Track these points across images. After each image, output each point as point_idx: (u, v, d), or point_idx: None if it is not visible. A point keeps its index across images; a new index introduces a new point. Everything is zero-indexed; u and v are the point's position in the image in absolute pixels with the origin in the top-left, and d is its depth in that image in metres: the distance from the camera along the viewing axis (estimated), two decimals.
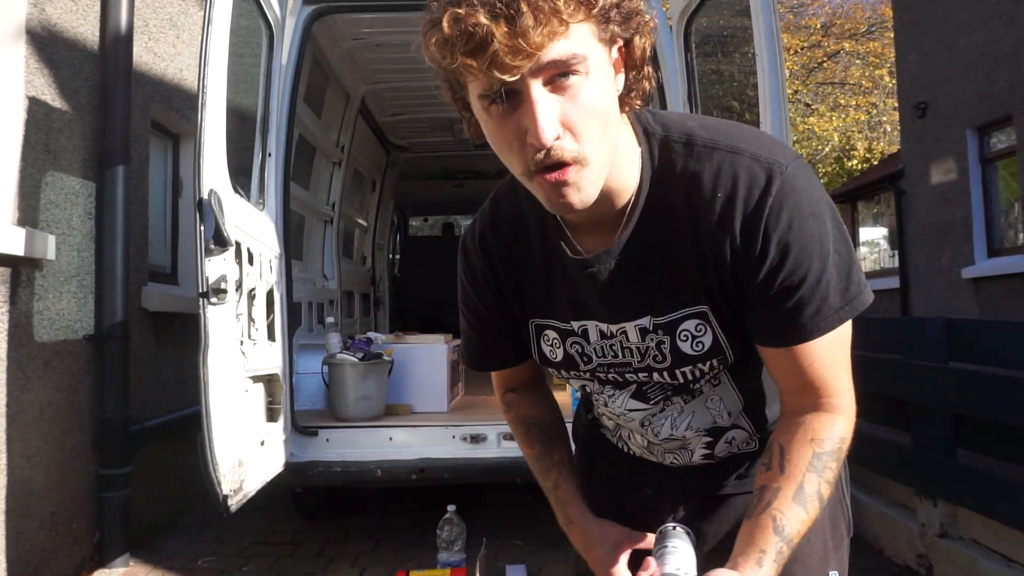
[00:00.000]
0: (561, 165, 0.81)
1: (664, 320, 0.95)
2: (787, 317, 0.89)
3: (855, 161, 17.53)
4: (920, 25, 8.90)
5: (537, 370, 1.20)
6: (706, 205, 0.88)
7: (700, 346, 0.95)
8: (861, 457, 3.59)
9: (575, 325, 1.01)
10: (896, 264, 10.29)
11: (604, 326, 0.99)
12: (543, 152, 0.79)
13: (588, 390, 1.10)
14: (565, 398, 2.96)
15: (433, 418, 3.46)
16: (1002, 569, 2.60)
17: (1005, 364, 2.74)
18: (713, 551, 1.07)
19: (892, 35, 11.07)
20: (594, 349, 1.01)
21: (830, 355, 0.91)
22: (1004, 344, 2.76)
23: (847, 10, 19.71)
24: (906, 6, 9.31)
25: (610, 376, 1.03)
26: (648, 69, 0.90)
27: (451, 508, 2.31)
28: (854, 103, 18.51)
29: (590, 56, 0.79)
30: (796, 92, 18.74)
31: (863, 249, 13.38)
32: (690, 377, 0.98)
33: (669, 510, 1.10)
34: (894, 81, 11.55)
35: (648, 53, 0.89)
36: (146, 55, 3.78)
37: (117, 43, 3.32)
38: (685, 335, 0.95)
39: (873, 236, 13.62)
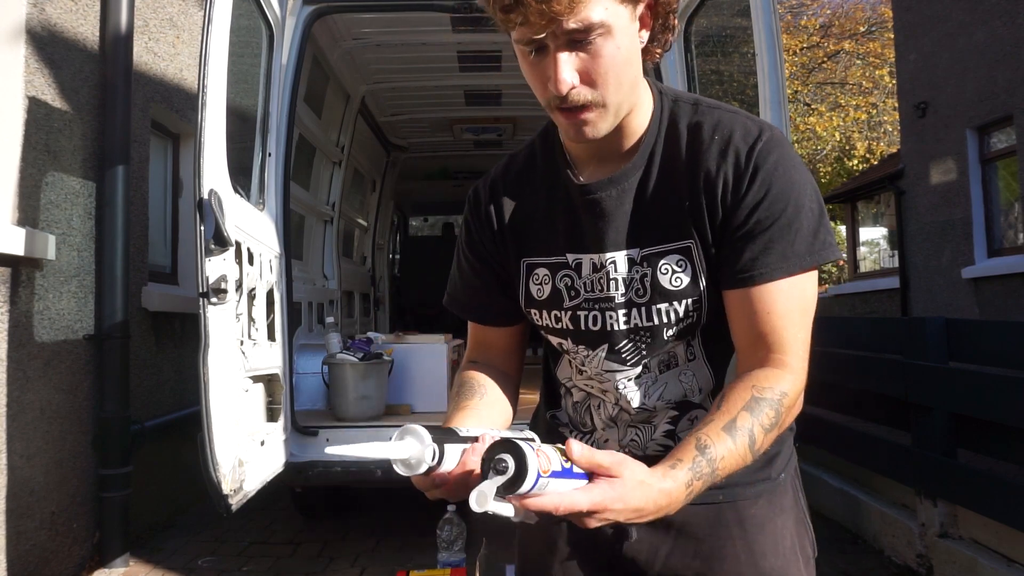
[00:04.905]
0: (578, 108, 0.95)
1: (649, 252, 1.04)
2: (754, 255, 0.97)
3: (855, 161, 17.52)
4: (920, 25, 8.89)
5: (511, 358, 1.21)
6: (704, 147, 1.01)
7: (679, 281, 1.02)
8: (861, 457, 3.59)
9: (570, 258, 1.09)
10: (896, 264, 10.28)
11: (596, 258, 1.06)
12: (560, 98, 0.94)
13: (564, 348, 1.13)
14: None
15: (433, 418, 3.44)
16: (1002, 569, 2.60)
17: (1005, 364, 2.74)
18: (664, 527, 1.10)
19: (892, 35, 11.07)
20: (583, 283, 1.08)
21: (786, 306, 0.97)
22: (1004, 344, 2.76)
23: (847, 10, 19.71)
24: (906, 6, 9.30)
25: (591, 316, 1.07)
26: (674, 20, 1.02)
27: (451, 508, 2.30)
28: (854, 103, 18.49)
29: (609, 20, 0.91)
30: (796, 92, 18.73)
31: (863, 249, 13.36)
32: (665, 319, 1.03)
33: None
34: (894, 81, 11.55)
35: (676, 5, 1.02)
36: (146, 55, 3.79)
37: (117, 43, 3.32)
38: (666, 268, 1.03)
39: (873, 236, 13.61)
